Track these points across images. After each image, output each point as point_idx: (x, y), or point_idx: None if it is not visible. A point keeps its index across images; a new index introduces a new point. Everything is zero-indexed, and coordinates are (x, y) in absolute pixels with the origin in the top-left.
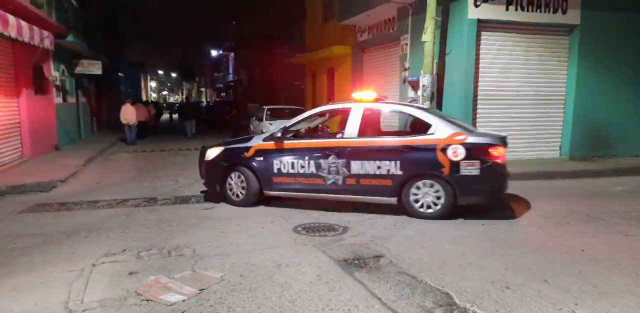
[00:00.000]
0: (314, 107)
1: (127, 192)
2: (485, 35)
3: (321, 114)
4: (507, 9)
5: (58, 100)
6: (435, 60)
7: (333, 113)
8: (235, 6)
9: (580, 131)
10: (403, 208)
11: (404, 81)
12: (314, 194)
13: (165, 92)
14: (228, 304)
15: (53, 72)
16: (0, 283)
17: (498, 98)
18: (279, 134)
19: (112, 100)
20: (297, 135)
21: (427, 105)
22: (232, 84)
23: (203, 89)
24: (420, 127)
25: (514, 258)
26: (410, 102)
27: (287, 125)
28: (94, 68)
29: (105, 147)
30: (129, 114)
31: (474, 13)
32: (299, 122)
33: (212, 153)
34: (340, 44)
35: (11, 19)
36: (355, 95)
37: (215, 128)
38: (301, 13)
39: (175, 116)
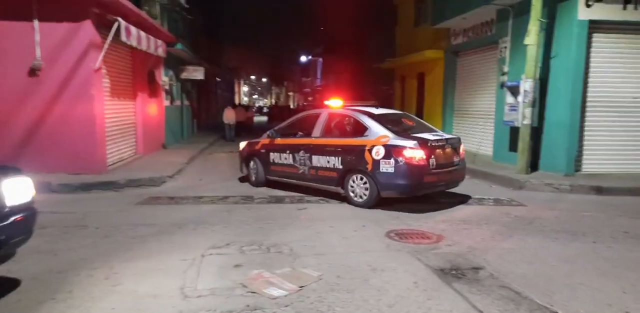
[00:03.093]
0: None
1: (227, 190)
2: (597, 38)
3: (305, 117)
4: (624, 8)
5: (166, 103)
6: (539, 65)
7: (312, 117)
8: (325, 12)
9: None
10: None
11: (502, 86)
12: (294, 180)
13: (255, 96)
14: (327, 303)
15: (163, 77)
16: (125, 267)
17: (612, 106)
18: (271, 133)
19: (210, 104)
20: (289, 134)
21: (527, 112)
22: (320, 88)
23: (291, 93)
24: (363, 130)
25: (633, 281)
26: (507, 108)
27: (280, 126)
28: (198, 73)
29: (204, 147)
30: (229, 115)
31: (585, 14)
32: (287, 124)
33: (241, 145)
34: (431, 48)
35: (133, 29)
36: (326, 102)
37: None
38: (392, 18)
39: None
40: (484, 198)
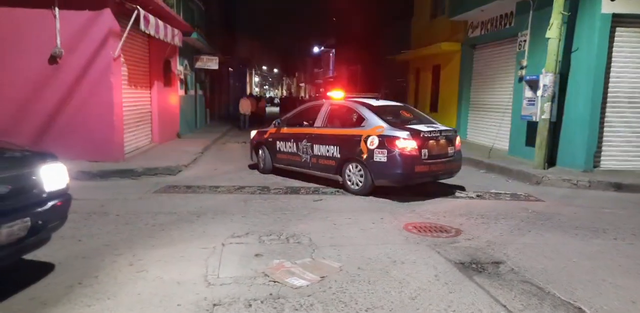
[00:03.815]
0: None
1: (242, 180)
2: (620, 32)
3: (309, 108)
4: None
5: (181, 92)
6: (559, 59)
7: (315, 108)
8: (338, 2)
9: None
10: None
11: (520, 80)
12: (297, 168)
13: (266, 87)
14: (349, 294)
15: (178, 66)
16: (148, 253)
17: (633, 101)
18: (278, 123)
19: (222, 94)
20: (294, 123)
21: (546, 106)
22: (332, 79)
23: (302, 84)
24: (361, 120)
25: None
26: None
27: (286, 116)
28: (212, 63)
29: (217, 136)
30: (245, 105)
31: (608, 7)
32: (293, 114)
33: (252, 134)
34: (448, 41)
35: (151, 18)
36: (329, 93)
37: None
38: (407, 9)
39: None
40: (500, 193)
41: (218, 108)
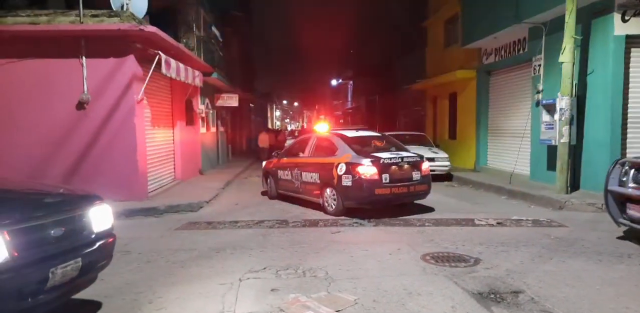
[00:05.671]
0: (434, 132)
1: (262, 214)
2: (635, 52)
3: (301, 140)
4: None
5: (202, 129)
6: (575, 82)
7: (306, 140)
8: (355, 35)
9: None
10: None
11: (537, 104)
12: (293, 193)
13: (287, 120)
14: None
15: (200, 105)
16: (168, 291)
17: None
18: (278, 154)
19: (243, 129)
20: (291, 154)
21: (564, 130)
22: (350, 111)
23: (322, 117)
24: (335, 150)
25: None
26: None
27: (286, 148)
28: (232, 100)
29: (239, 171)
30: (264, 139)
31: (621, 29)
32: (290, 146)
33: (263, 163)
34: (463, 68)
35: (172, 62)
36: (316, 127)
37: None
38: (421, 39)
39: None
40: (522, 220)
41: (240, 143)
